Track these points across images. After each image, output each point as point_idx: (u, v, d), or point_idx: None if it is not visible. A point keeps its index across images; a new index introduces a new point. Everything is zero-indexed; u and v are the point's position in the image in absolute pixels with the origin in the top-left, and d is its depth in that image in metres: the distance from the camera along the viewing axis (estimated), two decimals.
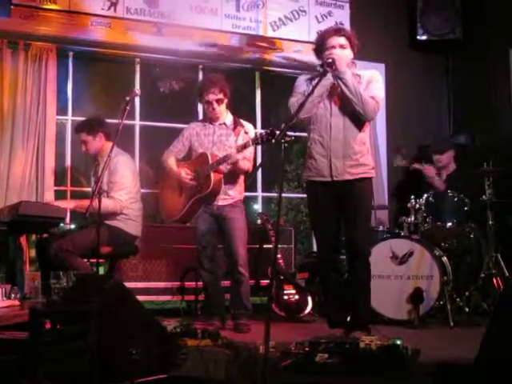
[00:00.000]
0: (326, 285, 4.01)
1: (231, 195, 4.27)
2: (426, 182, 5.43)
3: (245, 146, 4.01)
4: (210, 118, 4.36)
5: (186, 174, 4.26)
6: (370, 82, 3.70)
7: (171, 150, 4.43)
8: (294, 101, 3.66)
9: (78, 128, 4.50)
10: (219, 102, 4.25)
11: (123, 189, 4.31)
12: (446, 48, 6.54)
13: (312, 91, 3.45)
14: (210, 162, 4.15)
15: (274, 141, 3.63)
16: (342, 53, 3.64)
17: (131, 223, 4.37)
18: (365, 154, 3.72)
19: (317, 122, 3.71)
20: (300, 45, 6.03)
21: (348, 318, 3.76)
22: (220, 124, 4.33)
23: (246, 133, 4.20)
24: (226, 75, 4.42)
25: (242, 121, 4.36)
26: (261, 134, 3.93)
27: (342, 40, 3.68)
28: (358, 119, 3.67)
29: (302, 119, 3.66)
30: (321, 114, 3.70)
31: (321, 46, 3.71)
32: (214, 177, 4.13)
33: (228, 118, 4.35)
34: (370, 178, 3.77)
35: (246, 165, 4.18)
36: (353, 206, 3.68)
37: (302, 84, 3.78)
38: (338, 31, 3.75)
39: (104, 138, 4.42)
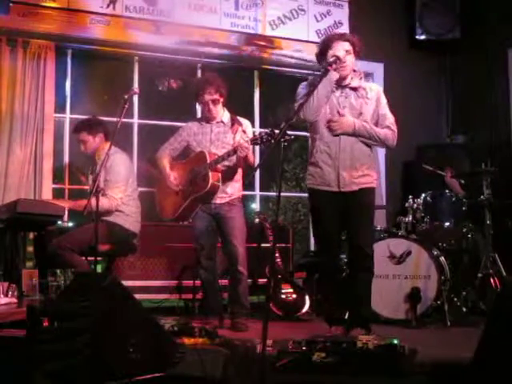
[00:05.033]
0: (327, 287, 4.00)
1: (228, 193, 4.25)
2: (424, 181, 5.41)
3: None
4: (206, 117, 4.36)
5: (174, 178, 4.28)
6: (379, 98, 3.71)
7: (166, 147, 4.42)
8: (297, 105, 3.61)
9: (78, 128, 4.49)
10: (215, 102, 4.24)
11: (118, 187, 4.31)
12: (445, 48, 6.54)
13: (313, 90, 3.46)
14: (208, 161, 4.14)
15: (273, 141, 3.62)
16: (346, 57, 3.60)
17: (130, 219, 4.37)
18: (370, 166, 3.73)
19: (324, 132, 3.67)
20: (299, 44, 6.04)
21: (346, 316, 3.77)
22: (217, 122, 4.32)
23: (244, 131, 4.19)
24: (224, 74, 4.41)
25: (239, 118, 4.35)
26: (260, 134, 3.91)
27: (347, 45, 3.64)
28: None
29: (311, 120, 3.67)
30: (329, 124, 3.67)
31: (324, 50, 3.66)
32: (211, 176, 4.12)
33: (225, 115, 4.34)
34: (374, 189, 3.78)
35: (252, 158, 4.19)
36: (357, 215, 3.66)
37: (303, 89, 3.74)
38: (342, 36, 3.72)
39: (104, 137, 4.43)
